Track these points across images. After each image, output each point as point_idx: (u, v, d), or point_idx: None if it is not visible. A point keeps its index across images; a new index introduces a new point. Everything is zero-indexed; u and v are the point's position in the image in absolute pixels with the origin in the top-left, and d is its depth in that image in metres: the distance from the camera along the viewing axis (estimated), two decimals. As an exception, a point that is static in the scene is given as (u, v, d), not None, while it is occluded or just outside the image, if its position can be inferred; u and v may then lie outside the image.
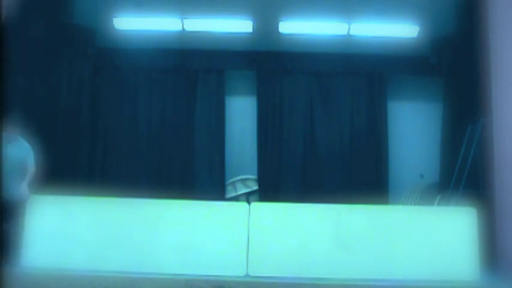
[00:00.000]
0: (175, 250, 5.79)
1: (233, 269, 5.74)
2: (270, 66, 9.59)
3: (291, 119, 9.58)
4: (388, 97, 9.59)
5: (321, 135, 9.52)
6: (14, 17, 6.31)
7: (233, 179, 9.36)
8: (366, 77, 9.63)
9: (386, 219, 5.97)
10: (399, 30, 8.78)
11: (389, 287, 5.49)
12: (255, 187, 9.33)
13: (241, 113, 9.66)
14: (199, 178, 9.28)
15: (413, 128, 9.53)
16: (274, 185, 9.33)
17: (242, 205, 6.19)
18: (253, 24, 8.75)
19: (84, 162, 8.92)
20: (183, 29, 8.73)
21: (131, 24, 8.77)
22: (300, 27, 8.82)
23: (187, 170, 9.31)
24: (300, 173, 9.42)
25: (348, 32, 8.75)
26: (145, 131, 9.45)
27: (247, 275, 5.72)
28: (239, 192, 9.25)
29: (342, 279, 5.56)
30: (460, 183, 7.43)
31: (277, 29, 8.79)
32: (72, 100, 8.77)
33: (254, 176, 9.42)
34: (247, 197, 9.15)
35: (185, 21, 8.62)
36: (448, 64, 8.84)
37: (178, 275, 5.58)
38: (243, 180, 9.39)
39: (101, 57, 9.19)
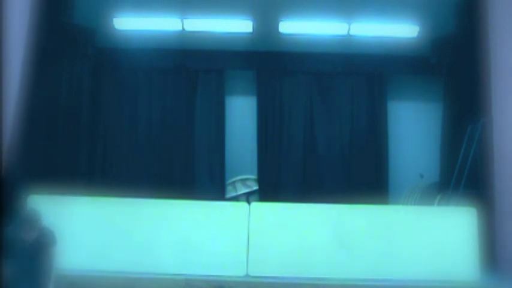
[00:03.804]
0: (175, 250, 5.80)
1: (233, 269, 5.74)
2: (270, 66, 9.58)
3: (290, 119, 9.57)
4: (388, 97, 9.58)
5: (321, 135, 9.51)
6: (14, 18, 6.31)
7: (233, 179, 9.36)
8: (366, 77, 9.62)
9: (386, 219, 5.98)
10: (399, 30, 8.77)
11: (389, 287, 5.49)
12: (255, 187, 9.33)
13: (241, 113, 9.66)
14: (199, 178, 9.27)
15: (413, 128, 9.52)
16: (274, 185, 9.32)
17: (242, 205, 6.20)
18: (253, 24, 8.75)
19: (84, 162, 8.92)
20: (183, 29, 8.73)
21: (131, 24, 8.76)
22: (300, 27, 8.82)
23: (188, 170, 9.31)
24: (300, 173, 9.42)
25: (348, 32, 8.75)
26: (145, 131, 9.45)
27: (247, 275, 5.72)
28: (239, 192, 9.25)
29: (342, 279, 5.56)
30: (460, 183, 7.44)
31: (277, 29, 8.79)
32: (72, 100, 8.77)
33: (254, 176, 9.42)
34: (247, 197, 9.15)
35: (185, 21, 8.62)
36: (448, 64, 8.84)
37: (178, 275, 5.59)
38: (243, 180, 9.38)
39: (101, 57, 9.18)
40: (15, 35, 6.29)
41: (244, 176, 9.40)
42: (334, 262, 5.70)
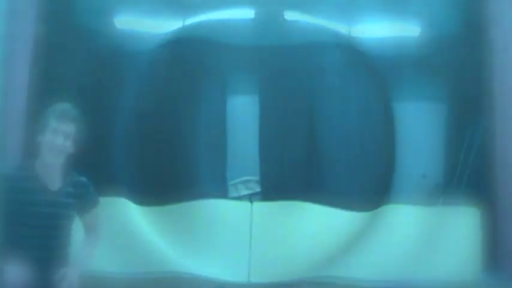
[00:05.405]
0: (175, 251, 5.78)
1: (234, 270, 5.73)
2: (271, 66, 9.57)
3: (292, 119, 9.55)
4: (389, 97, 9.55)
5: (322, 135, 9.49)
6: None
7: (235, 181, 9.32)
8: (366, 77, 9.59)
9: (387, 219, 5.96)
10: (401, 29, 8.76)
11: (389, 287, 5.48)
12: (258, 189, 9.29)
13: (242, 113, 9.63)
14: (200, 179, 9.25)
15: (414, 128, 9.49)
16: (276, 186, 9.29)
17: (244, 205, 6.18)
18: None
19: (85, 162, 8.89)
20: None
21: (131, 24, 8.77)
22: (301, 28, 8.82)
23: (188, 170, 9.28)
24: (301, 174, 9.39)
25: (349, 32, 8.74)
26: (146, 131, 9.43)
27: (248, 275, 5.70)
28: (241, 194, 9.22)
29: (342, 279, 5.55)
30: (463, 184, 7.42)
31: (278, 29, 8.80)
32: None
33: (256, 178, 9.38)
34: (250, 199, 9.12)
35: (185, 21, 8.62)
36: (449, 64, 8.82)
37: (179, 276, 5.57)
38: (245, 182, 9.35)
39: (101, 57, 9.17)
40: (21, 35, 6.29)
41: (246, 177, 9.36)
42: (335, 262, 5.69)
